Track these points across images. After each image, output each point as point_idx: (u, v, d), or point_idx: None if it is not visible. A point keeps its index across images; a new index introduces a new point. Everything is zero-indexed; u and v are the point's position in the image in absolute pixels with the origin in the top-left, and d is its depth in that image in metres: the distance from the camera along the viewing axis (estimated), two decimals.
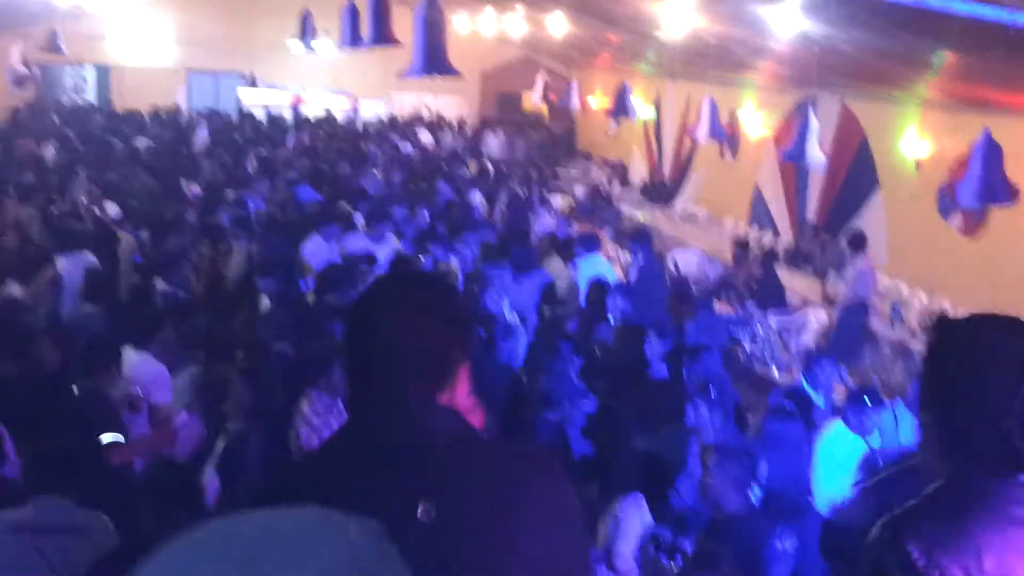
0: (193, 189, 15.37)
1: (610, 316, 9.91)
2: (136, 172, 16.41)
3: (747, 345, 11.37)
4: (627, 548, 5.77)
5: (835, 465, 6.87)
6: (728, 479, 5.55)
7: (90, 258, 10.18)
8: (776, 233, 17.49)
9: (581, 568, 2.07)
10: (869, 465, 6.66)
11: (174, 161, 18.07)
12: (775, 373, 11.07)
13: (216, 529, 1.50)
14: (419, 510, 1.89)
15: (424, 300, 2.20)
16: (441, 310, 2.20)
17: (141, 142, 20.48)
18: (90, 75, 29.40)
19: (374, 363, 2.14)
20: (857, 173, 15.49)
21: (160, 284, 9.66)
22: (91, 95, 29.31)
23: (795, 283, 14.31)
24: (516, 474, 2.03)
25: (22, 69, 21.36)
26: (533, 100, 21.82)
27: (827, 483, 6.83)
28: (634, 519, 5.85)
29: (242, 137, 22.20)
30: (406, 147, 22.62)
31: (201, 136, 21.36)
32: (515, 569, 1.93)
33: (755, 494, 5.55)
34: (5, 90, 23.63)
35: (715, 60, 15.37)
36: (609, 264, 12.37)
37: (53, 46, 21.57)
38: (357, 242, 11.87)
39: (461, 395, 2.18)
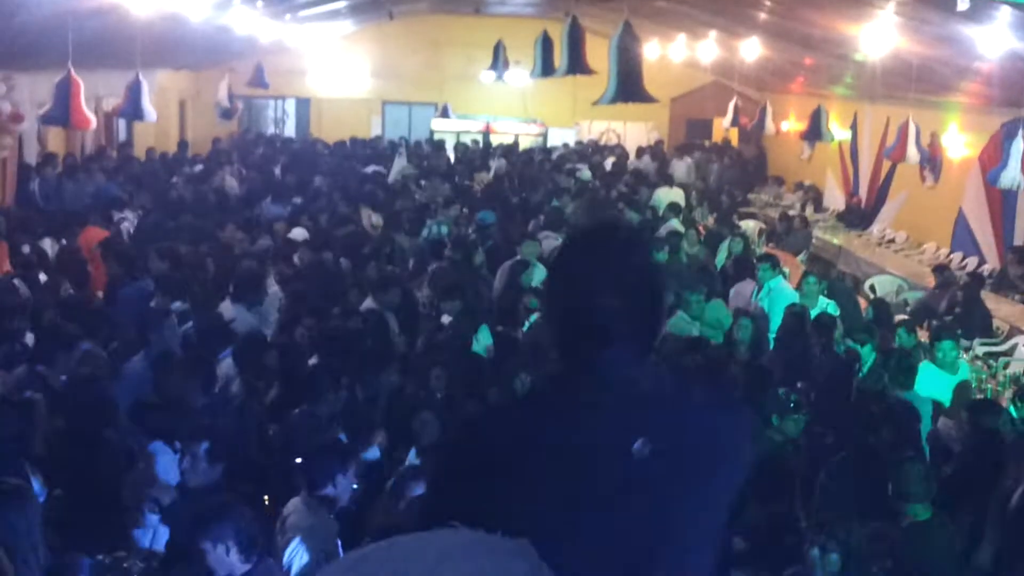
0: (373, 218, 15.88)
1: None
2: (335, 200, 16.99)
3: None
4: None
5: None
6: None
7: None
8: (981, 259, 16.85)
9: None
10: None
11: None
12: None
13: (389, 547, 1.54)
14: (635, 446, 2.10)
15: (633, 263, 2.27)
16: (649, 273, 2.31)
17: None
18: (290, 107, 30.61)
19: (582, 322, 2.23)
20: None
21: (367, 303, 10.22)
22: (291, 126, 30.52)
23: (1002, 310, 13.74)
24: (715, 418, 2.28)
25: (227, 103, 22.46)
26: (724, 125, 21.61)
27: None
28: None
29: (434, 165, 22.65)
30: (587, 173, 22.56)
31: (399, 165, 21.87)
32: (710, 498, 2.22)
33: None
34: (212, 122, 24.86)
35: (917, 81, 14.96)
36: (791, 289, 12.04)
37: (258, 81, 22.61)
38: None
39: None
